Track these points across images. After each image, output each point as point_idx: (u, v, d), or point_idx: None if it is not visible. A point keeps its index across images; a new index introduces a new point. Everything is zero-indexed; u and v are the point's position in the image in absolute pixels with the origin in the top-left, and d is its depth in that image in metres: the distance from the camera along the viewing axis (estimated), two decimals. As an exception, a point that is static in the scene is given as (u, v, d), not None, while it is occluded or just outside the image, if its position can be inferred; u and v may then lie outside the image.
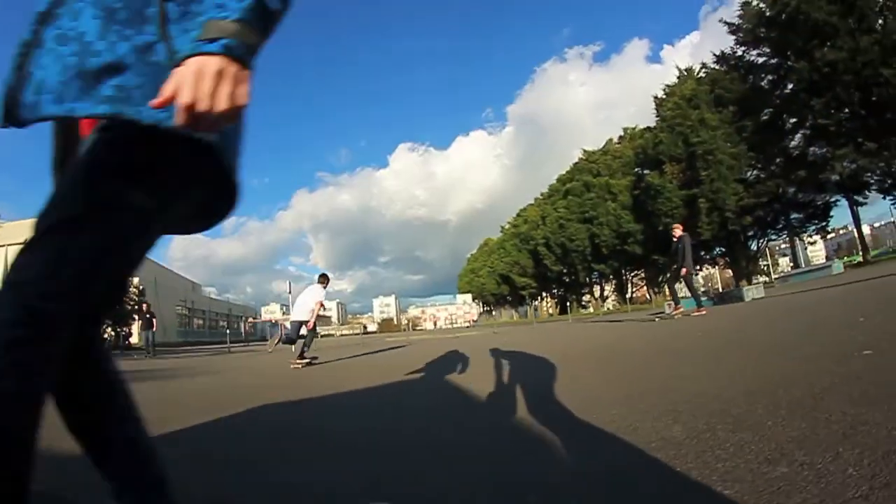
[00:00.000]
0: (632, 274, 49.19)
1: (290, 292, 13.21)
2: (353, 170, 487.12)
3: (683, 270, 9.86)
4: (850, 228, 49.32)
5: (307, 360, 7.71)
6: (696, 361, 3.70)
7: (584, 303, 58.88)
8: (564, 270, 50.68)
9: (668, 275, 16.70)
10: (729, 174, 30.80)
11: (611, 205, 40.39)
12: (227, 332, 30.29)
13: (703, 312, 9.45)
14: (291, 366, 7.48)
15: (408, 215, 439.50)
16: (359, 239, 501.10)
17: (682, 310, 10.79)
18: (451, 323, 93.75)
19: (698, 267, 41.19)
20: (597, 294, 55.46)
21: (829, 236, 49.52)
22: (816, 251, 65.05)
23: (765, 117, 30.58)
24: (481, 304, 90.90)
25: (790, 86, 28.24)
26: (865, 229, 41.08)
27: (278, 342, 10.19)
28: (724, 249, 37.18)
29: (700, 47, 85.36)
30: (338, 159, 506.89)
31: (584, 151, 46.94)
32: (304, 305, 8.39)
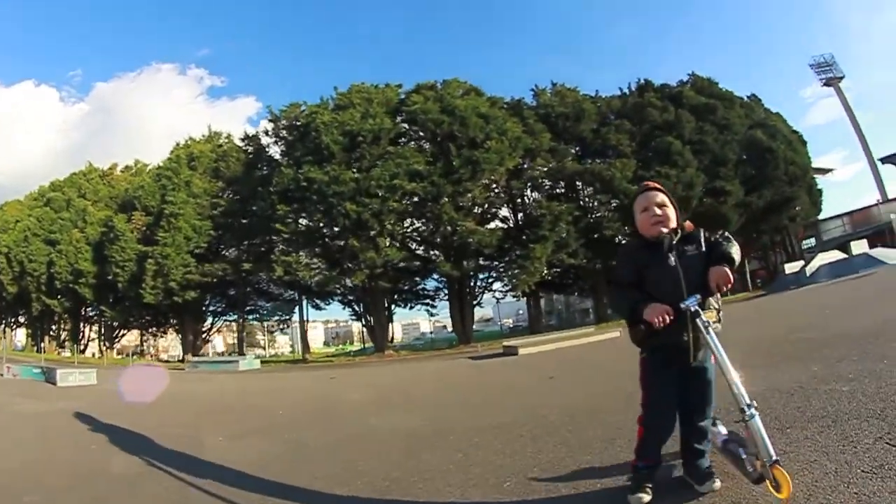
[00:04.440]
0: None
1: None
2: None
3: None
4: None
5: None
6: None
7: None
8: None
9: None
10: (184, 244, 29.76)
11: (77, 233, 34.64)
12: None
13: None
14: None
15: None
16: None
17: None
18: None
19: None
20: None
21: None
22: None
23: (240, 203, 31.25)
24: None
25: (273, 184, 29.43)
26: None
27: None
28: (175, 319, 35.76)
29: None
30: None
31: (88, 165, 40.77)
32: None
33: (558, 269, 32.68)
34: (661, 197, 2.38)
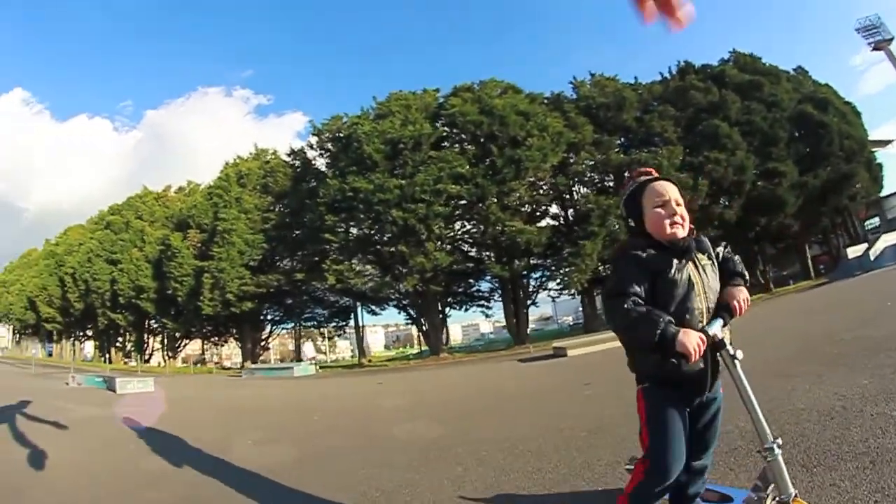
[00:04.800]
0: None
1: None
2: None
3: None
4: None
5: None
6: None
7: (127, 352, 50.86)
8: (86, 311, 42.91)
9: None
10: (238, 258, 30.76)
11: (136, 252, 36.28)
12: None
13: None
14: None
15: None
16: None
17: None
18: None
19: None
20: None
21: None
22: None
23: (290, 216, 32.08)
24: (12, 332, 71.49)
25: (320, 195, 30.13)
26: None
27: None
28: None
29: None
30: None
31: (144, 188, 42.55)
32: None
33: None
34: (678, 191, 1.93)
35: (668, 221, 1.86)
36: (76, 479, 4.49)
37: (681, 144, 29.21)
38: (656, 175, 2.02)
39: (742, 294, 1.88)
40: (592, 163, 30.04)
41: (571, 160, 29.51)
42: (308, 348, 55.04)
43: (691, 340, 1.65)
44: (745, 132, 29.63)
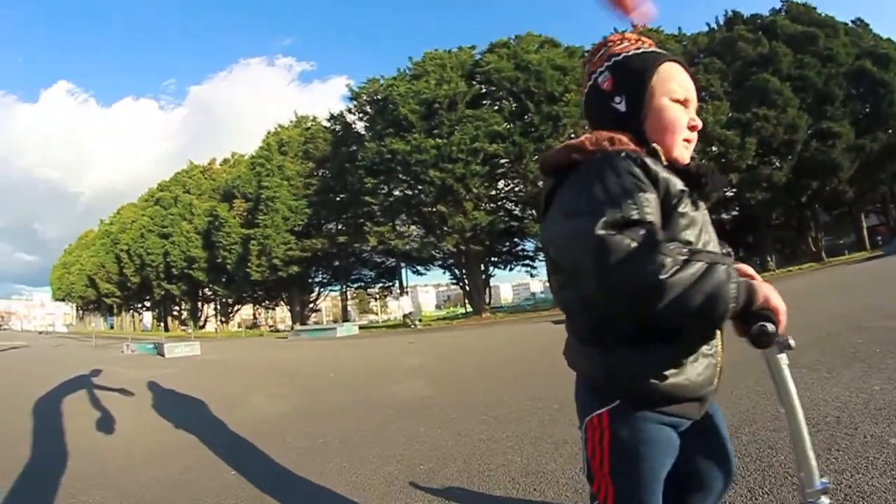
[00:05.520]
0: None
1: None
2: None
3: None
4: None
5: None
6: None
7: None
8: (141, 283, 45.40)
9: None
10: (282, 224, 31.72)
11: (186, 225, 37.93)
12: None
13: None
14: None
15: (36, 174, 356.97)
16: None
17: None
18: (51, 325, 75.65)
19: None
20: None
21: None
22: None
23: (332, 181, 32.70)
24: (76, 309, 76.11)
25: (359, 159, 29.74)
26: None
27: None
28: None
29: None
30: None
31: (190, 163, 44.15)
32: None
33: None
34: None
35: (682, 137, 1.13)
36: (121, 429, 5.11)
37: (727, 100, 27.76)
38: (670, 55, 1.18)
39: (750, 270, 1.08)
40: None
41: (612, 115, 28.86)
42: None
43: (775, 294, 0.95)
44: (797, 88, 27.84)
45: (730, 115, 26.85)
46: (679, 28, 32.27)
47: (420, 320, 29.11)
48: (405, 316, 22.38)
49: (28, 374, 10.62)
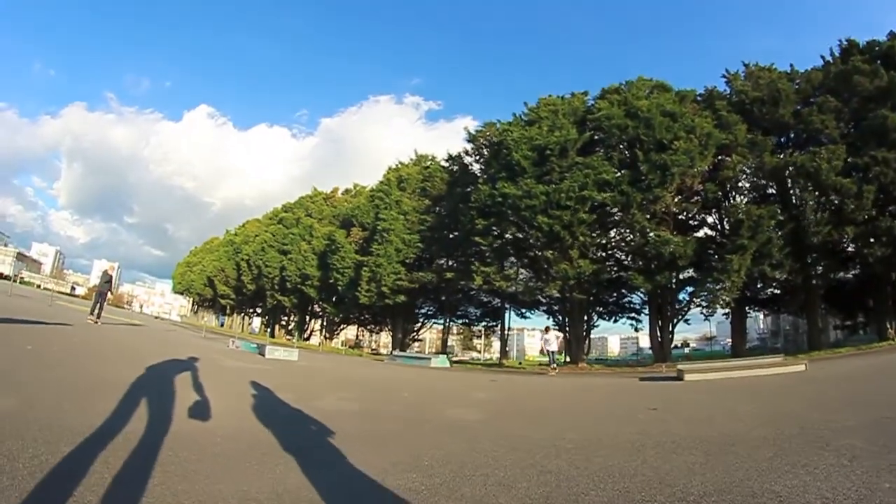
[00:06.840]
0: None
1: None
2: (143, 107, 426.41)
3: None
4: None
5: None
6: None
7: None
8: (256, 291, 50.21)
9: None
10: (395, 255, 34.17)
11: (304, 245, 41.65)
12: None
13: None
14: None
15: (174, 182, 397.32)
16: (112, 185, 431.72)
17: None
18: (166, 313, 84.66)
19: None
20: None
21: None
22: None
23: (445, 219, 34.37)
24: (191, 303, 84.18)
25: (472, 200, 30.65)
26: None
27: None
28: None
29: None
30: (135, 87, 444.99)
31: (314, 189, 48.44)
32: None
33: (762, 284, 28.99)
34: None
35: None
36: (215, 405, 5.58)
37: (843, 142, 24.97)
38: None
39: None
40: (743, 168, 27.78)
41: (724, 164, 27.68)
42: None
43: None
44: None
45: (845, 159, 24.31)
46: (791, 65, 30.16)
47: (520, 364, 28.53)
48: (548, 353, 21.29)
49: (139, 349, 11.12)
